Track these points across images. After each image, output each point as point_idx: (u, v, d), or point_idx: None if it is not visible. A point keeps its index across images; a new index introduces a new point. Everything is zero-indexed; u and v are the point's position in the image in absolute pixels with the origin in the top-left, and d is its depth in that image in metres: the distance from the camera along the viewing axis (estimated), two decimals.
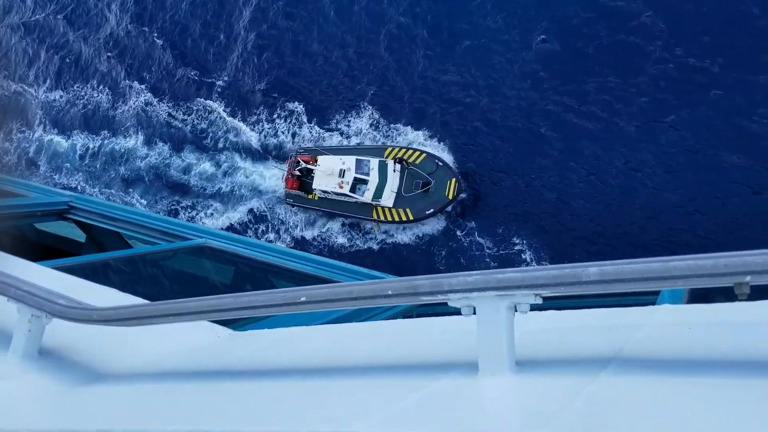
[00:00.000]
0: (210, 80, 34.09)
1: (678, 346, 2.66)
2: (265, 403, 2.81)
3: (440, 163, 26.40)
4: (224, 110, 33.33)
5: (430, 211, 26.40)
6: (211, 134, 33.51)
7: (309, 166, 28.16)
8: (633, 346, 2.66)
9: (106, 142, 36.65)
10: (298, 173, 28.57)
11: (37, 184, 11.17)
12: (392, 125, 28.99)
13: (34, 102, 39.14)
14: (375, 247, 28.71)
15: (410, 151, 27.08)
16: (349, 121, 30.01)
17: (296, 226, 30.84)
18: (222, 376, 3.35)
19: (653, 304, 3.68)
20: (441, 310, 3.41)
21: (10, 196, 8.86)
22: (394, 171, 26.84)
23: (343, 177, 27.21)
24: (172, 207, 33.72)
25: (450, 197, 25.95)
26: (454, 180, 25.91)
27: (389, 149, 27.44)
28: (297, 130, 31.26)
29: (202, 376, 3.42)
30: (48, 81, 39.09)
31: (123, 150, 35.95)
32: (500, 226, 26.41)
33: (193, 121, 34.06)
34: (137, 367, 3.68)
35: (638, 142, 24.28)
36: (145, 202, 34.38)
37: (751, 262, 1.96)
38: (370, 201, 26.89)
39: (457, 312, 2.53)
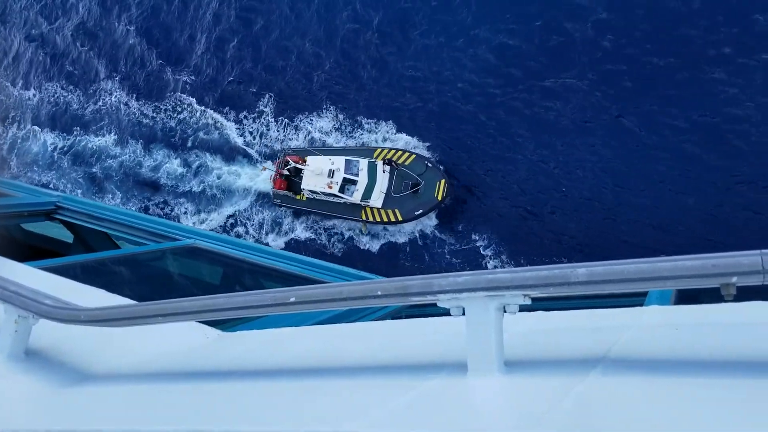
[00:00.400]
0: (181, 78, 34.37)
1: (666, 347, 2.68)
2: (255, 404, 2.80)
3: (429, 165, 26.45)
4: (198, 108, 33.59)
5: (419, 212, 26.43)
6: (181, 132, 33.83)
7: (298, 166, 28.11)
8: (621, 346, 2.68)
9: (79, 139, 36.78)
10: (286, 173, 28.51)
11: (24, 184, 11.09)
12: (355, 121, 29.44)
13: (8, 100, 38.99)
14: (338, 244, 29.12)
15: (399, 153, 27.11)
16: (311, 120, 30.47)
17: (261, 225, 31.02)
18: (211, 376, 3.34)
19: (641, 305, 3.70)
20: (430, 311, 3.41)
21: None
22: (384, 172, 26.86)
23: (332, 177, 27.18)
24: (143, 204, 34.00)
25: (439, 198, 26.00)
26: (443, 181, 25.96)
27: (378, 150, 27.46)
28: (264, 130, 31.59)
29: (190, 377, 3.41)
30: (22, 78, 39.15)
31: (96, 148, 36.16)
32: (460, 223, 26.94)
33: (164, 119, 34.35)
34: (125, 368, 3.66)
35: (595, 137, 24.83)
36: (120, 195, 34.47)
37: (738, 263, 1.98)
38: (358, 201, 26.88)
39: (446, 313, 2.53)
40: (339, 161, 27.31)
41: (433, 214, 26.96)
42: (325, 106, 30.26)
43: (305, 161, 28.23)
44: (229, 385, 3.11)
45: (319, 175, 27.42)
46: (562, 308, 3.48)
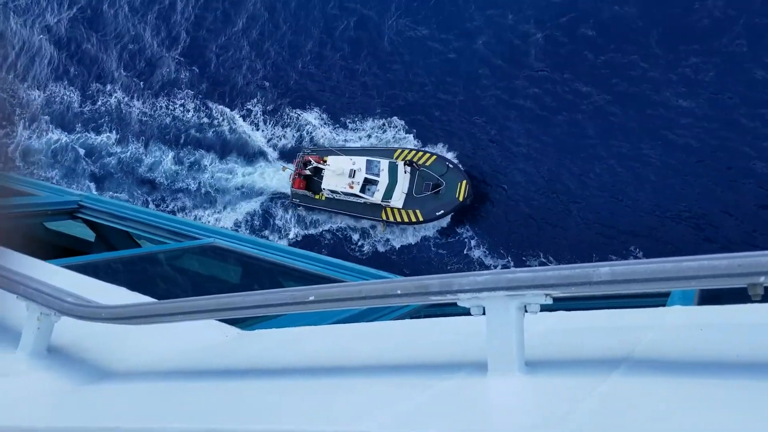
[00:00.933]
0: (179, 76, 34.96)
1: (690, 348, 2.63)
2: (273, 402, 2.80)
3: (451, 166, 26.38)
4: (192, 105, 34.22)
5: (440, 213, 26.38)
6: (176, 129, 34.47)
7: (319, 166, 28.18)
8: (644, 347, 2.63)
9: (80, 137, 37.40)
10: (308, 173, 28.59)
11: (48, 183, 11.25)
12: (341, 119, 30.06)
13: (12, 99, 39.73)
14: (328, 236, 29.54)
15: (420, 153, 27.07)
16: (300, 115, 31.08)
17: (252, 220, 31.56)
18: (230, 374, 3.35)
19: (663, 305, 3.65)
20: (450, 310, 3.39)
21: (21, 195, 8.91)
22: (405, 172, 26.85)
23: (353, 177, 27.19)
24: (143, 199, 34.67)
25: (461, 199, 25.92)
26: (464, 182, 25.88)
27: (399, 151, 27.46)
28: (253, 129, 32.32)
29: (210, 375, 3.42)
30: (24, 76, 39.82)
31: (97, 145, 36.78)
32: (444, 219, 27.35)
33: (162, 116, 35.05)
34: (145, 365, 3.68)
35: (585, 132, 25.12)
36: (125, 192, 35.18)
37: (766, 262, 1.93)
38: (379, 202, 26.88)
39: (466, 312, 2.51)
40: (360, 161, 27.33)
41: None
42: (311, 104, 30.97)
43: (325, 161, 28.29)
44: (248, 383, 3.11)
45: (340, 175, 27.46)
46: (583, 308, 3.44)
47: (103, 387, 3.38)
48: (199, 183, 33.09)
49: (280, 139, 31.34)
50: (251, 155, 32.06)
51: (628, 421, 1.96)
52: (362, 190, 27.13)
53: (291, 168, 29.70)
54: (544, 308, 2.42)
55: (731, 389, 2.07)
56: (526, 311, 2.43)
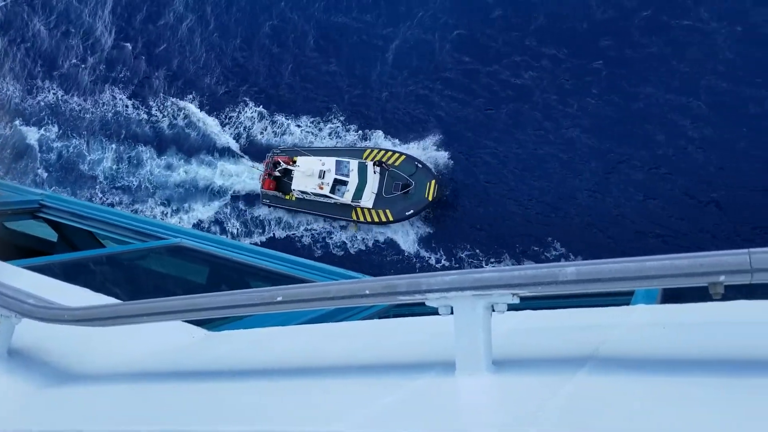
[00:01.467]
0: (117, 75, 35.13)
1: (653, 346, 2.68)
2: (241, 404, 2.78)
3: (420, 165, 26.46)
4: (129, 102, 34.35)
5: (410, 212, 26.44)
6: (116, 125, 34.57)
7: (288, 167, 28.07)
8: (609, 345, 2.67)
9: (19, 131, 37.12)
10: (278, 174, 28.46)
11: (9, 182, 11.01)
12: (276, 115, 30.54)
13: None
14: (280, 237, 30.00)
15: (389, 153, 27.10)
16: (237, 113, 31.58)
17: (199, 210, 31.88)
18: (197, 376, 3.31)
19: (628, 304, 3.71)
20: (418, 310, 3.41)
21: None
22: (375, 173, 26.88)
23: (323, 178, 27.16)
24: (87, 195, 34.64)
25: (430, 198, 26.01)
26: (433, 182, 25.98)
27: (368, 151, 27.47)
28: (196, 122, 32.61)
29: (176, 377, 3.38)
30: None
31: (36, 141, 36.66)
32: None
33: (102, 112, 35.09)
34: (109, 367, 3.62)
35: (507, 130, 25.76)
36: (57, 188, 35.12)
37: (726, 262, 1.98)
38: (349, 202, 26.87)
39: (434, 312, 2.52)
40: (329, 162, 27.30)
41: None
42: (247, 100, 31.41)
43: (295, 162, 28.20)
44: (216, 385, 3.08)
45: (309, 176, 27.40)
46: (549, 307, 3.48)
47: (66, 390, 3.32)
48: (140, 179, 33.17)
49: (220, 135, 31.74)
50: (192, 150, 32.32)
51: (593, 420, 1.98)
52: (332, 190, 27.11)
53: (261, 168, 29.54)
54: (511, 307, 2.44)
55: (693, 386, 2.12)
56: (493, 311, 2.45)
